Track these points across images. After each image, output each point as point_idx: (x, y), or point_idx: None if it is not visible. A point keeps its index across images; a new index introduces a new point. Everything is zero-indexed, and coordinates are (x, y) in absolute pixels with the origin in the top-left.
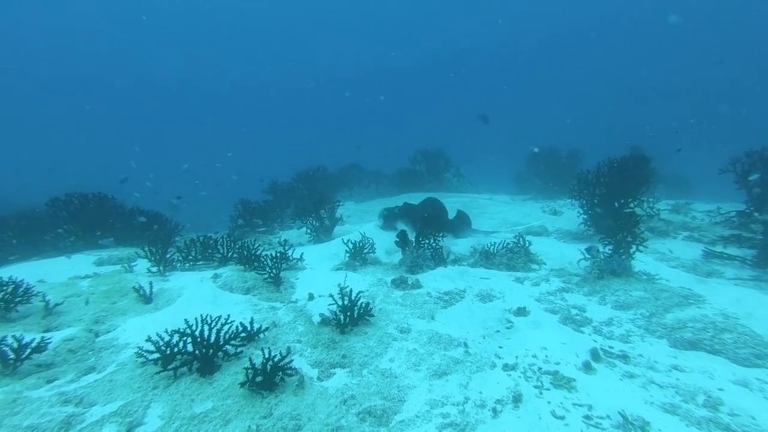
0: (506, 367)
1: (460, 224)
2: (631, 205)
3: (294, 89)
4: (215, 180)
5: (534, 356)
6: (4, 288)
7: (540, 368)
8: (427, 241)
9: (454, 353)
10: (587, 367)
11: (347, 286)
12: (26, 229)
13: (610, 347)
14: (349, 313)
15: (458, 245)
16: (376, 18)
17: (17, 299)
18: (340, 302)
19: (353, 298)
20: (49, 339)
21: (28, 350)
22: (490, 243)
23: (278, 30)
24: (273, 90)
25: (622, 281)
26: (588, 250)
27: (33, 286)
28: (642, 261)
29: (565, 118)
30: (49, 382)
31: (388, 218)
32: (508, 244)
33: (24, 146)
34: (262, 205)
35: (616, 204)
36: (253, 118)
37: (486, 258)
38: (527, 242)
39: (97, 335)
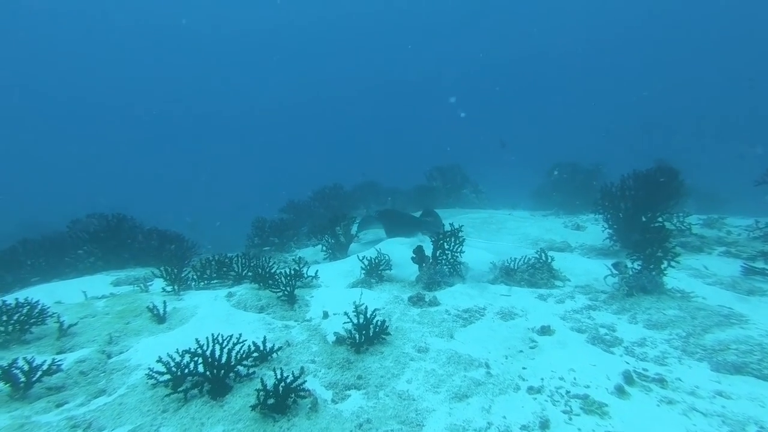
0: (531, 389)
1: (434, 224)
2: (659, 219)
3: (309, 105)
4: (234, 201)
5: (561, 378)
6: (19, 310)
7: (568, 391)
8: (445, 257)
9: (475, 374)
10: (620, 391)
11: (362, 304)
12: (49, 251)
13: (644, 370)
14: (364, 332)
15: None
16: (390, 32)
17: (32, 321)
18: (355, 320)
19: (369, 316)
20: (60, 361)
21: (39, 373)
22: (511, 258)
23: (289, 45)
24: (289, 106)
25: (653, 299)
26: (615, 265)
27: (48, 308)
28: (674, 277)
29: (584, 132)
30: (58, 405)
31: (363, 222)
32: (529, 259)
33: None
34: (277, 224)
35: (643, 218)
36: (271, 136)
37: (506, 274)
38: (550, 258)
39: (109, 356)
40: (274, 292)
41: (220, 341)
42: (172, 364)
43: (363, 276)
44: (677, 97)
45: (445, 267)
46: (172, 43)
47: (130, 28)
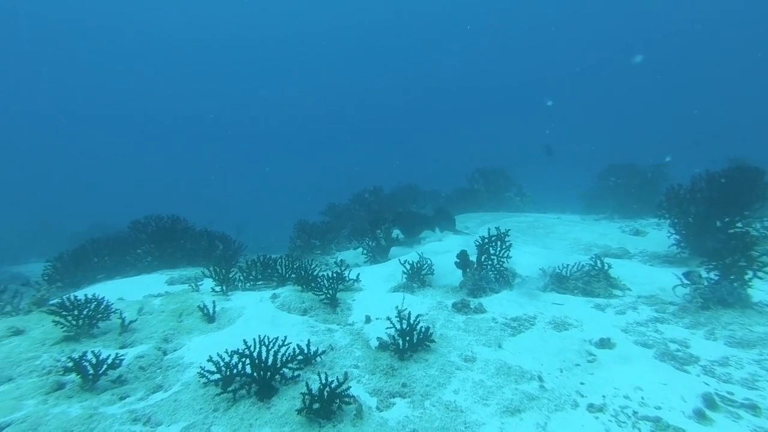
0: (592, 407)
1: (441, 221)
2: (738, 224)
3: (350, 110)
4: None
5: (626, 397)
6: (88, 305)
7: (635, 412)
8: (490, 263)
9: (528, 387)
10: (700, 416)
11: (405, 309)
12: (113, 250)
13: (729, 393)
14: (408, 338)
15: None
16: (432, 35)
17: (98, 316)
18: (398, 326)
19: (412, 322)
20: (122, 356)
21: (105, 366)
22: (562, 265)
23: (331, 49)
24: (330, 111)
25: (736, 313)
26: (687, 275)
27: (112, 304)
28: (761, 290)
29: (637, 133)
30: (121, 398)
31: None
32: (583, 266)
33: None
34: (319, 226)
35: (719, 223)
36: (312, 141)
37: (558, 281)
38: (607, 265)
39: (165, 353)
40: (316, 294)
41: (266, 343)
42: (222, 364)
43: (405, 280)
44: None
45: (490, 273)
46: (214, 49)
47: (172, 36)
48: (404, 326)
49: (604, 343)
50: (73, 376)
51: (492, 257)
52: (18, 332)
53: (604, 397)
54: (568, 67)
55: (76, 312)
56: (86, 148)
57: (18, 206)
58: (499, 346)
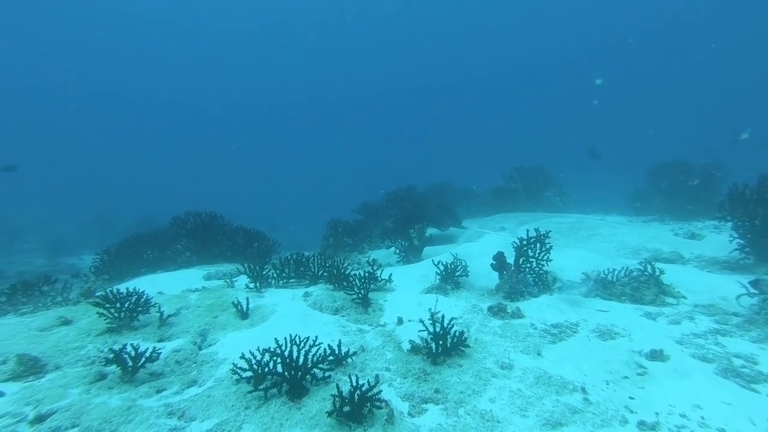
0: (643, 425)
1: (441, 216)
2: None
3: (383, 105)
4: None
5: (683, 416)
6: (129, 298)
7: None
8: (528, 265)
9: (570, 400)
10: None
11: (438, 312)
12: (155, 245)
13: None
14: (441, 342)
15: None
16: (466, 27)
17: (139, 309)
18: (431, 329)
19: (445, 325)
20: (159, 350)
21: (143, 359)
22: (608, 269)
23: (359, 43)
24: (364, 105)
25: None
26: (754, 283)
27: (151, 298)
28: None
29: (690, 128)
30: (158, 391)
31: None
32: (631, 271)
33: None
34: (352, 225)
35: None
36: (343, 138)
37: (603, 287)
38: (658, 270)
39: (200, 348)
40: (348, 294)
41: (298, 342)
42: (254, 361)
43: (438, 282)
44: None
45: (529, 276)
46: (256, 42)
47: (221, 28)
48: (437, 329)
49: (656, 355)
50: (113, 367)
51: (531, 260)
52: (66, 322)
53: (657, 414)
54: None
55: (118, 305)
56: (139, 145)
57: (76, 201)
58: (539, 354)
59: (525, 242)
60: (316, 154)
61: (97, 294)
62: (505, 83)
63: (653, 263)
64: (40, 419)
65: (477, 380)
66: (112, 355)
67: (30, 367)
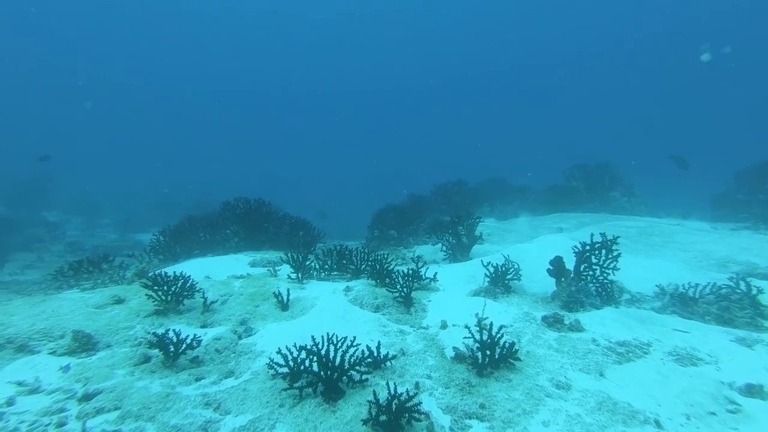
0: None
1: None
2: None
3: (435, 98)
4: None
5: None
6: (176, 283)
7: None
8: (591, 273)
9: None
10: None
11: (486, 318)
12: (207, 228)
13: None
14: (488, 352)
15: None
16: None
17: (184, 293)
18: (477, 337)
19: (494, 333)
20: (200, 337)
21: (184, 346)
22: (688, 283)
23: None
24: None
25: None
26: None
27: (197, 283)
28: None
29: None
30: (197, 380)
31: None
32: (719, 287)
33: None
34: (398, 218)
35: None
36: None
37: (682, 303)
38: (755, 288)
39: (240, 337)
40: (390, 291)
41: (335, 342)
42: (290, 357)
43: (487, 284)
44: None
45: (591, 285)
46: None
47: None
48: (485, 338)
49: (754, 391)
50: (157, 350)
51: (594, 267)
52: (119, 301)
53: None
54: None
55: (165, 288)
56: (203, 130)
57: (146, 181)
58: (601, 375)
59: (588, 247)
60: (370, 144)
61: (149, 275)
62: (562, 76)
63: (748, 279)
64: (87, 398)
65: (528, 399)
66: (155, 339)
67: (84, 344)
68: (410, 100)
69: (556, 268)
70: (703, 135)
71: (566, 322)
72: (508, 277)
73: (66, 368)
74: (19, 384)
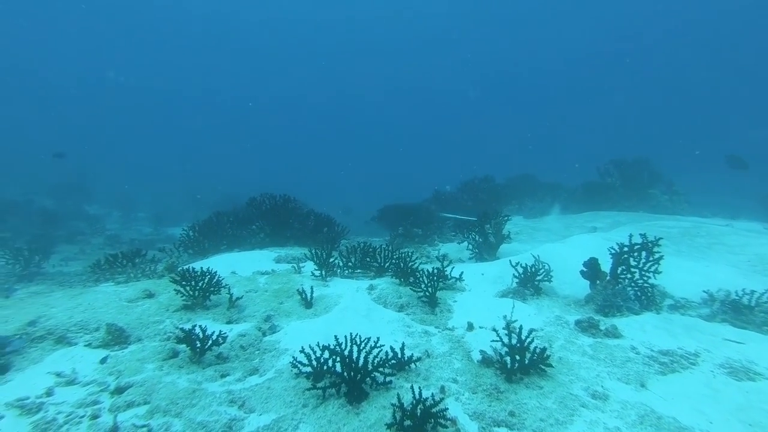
0: None
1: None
2: None
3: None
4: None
5: None
6: (203, 278)
7: None
8: (629, 276)
9: None
10: None
11: (515, 320)
12: (234, 223)
13: None
14: (518, 357)
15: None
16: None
17: (211, 289)
18: (506, 340)
19: (523, 337)
20: (226, 333)
21: (210, 342)
22: (742, 290)
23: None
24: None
25: None
26: None
27: (223, 279)
28: None
29: None
30: (222, 376)
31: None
32: None
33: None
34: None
35: None
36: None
37: (734, 311)
38: None
39: (264, 334)
40: (414, 290)
41: (358, 342)
42: (313, 357)
43: (515, 285)
44: None
45: (629, 289)
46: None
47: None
48: (514, 342)
49: None
50: (184, 346)
51: (633, 270)
52: (150, 295)
53: None
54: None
55: (192, 283)
56: (229, 127)
57: (178, 176)
58: (642, 386)
59: (626, 248)
60: (396, 142)
61: (178, 270)
62: (598, 69)
63: None
64: (119, 391)
65: (562, 408)
66: (182, 335)
67: (116, 337)
68: (439, 99)
69: (591, 269)
70: (750, 129)
71: (602, 327)
72: (538, 278)
73: (104, 359)
74: (58, 375)
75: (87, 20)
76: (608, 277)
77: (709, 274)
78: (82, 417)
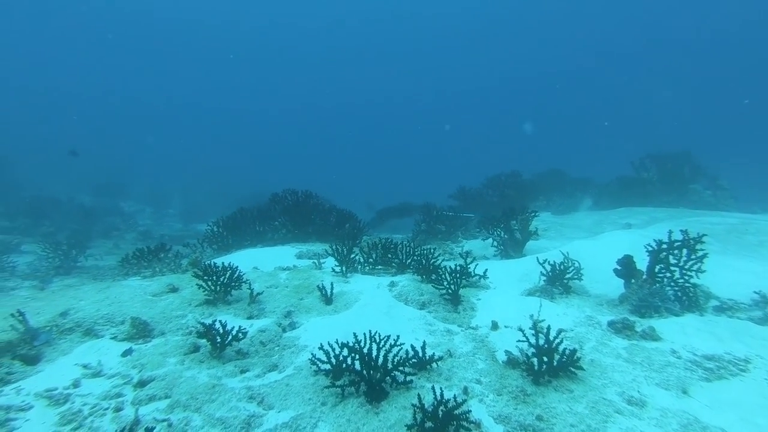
0: None
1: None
2: None
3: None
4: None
5: None
6: (225, 273)
7: None
8: (668, 275)
9: None
10: None
11: (543, 320)
12: (258, 219)
13: None
14: (546, 358)
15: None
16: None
17: (232, 284)
18: (533, 340)
19: (551, 338)
20: (245, 329)
21: (230, 337)
22: None
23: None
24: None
25: None
26: None
27: (244, 274)
28: None
29: None
30: (242, 372)
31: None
32: None
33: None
34: (445, 211)
35: None
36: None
37: None
38: None
39: (284, 330)
40: (436, 287)
41: (377, 340)
42: (332, 354)
43: (543, 283)
44: None
45: (668, 288)
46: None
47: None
48: (541, 342)
49: None
50: (205, 340)
51: (673, 268)
52: (173, 290)
53: None
54: None
55: (214, 278)
56: (260, 131)
57: (208, 175)
58: (684, 392)
59: (665, 246)
60: (421, 140)
61: (201, 265)
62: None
63: None
64: (141, 384)
65: (594, 414)
66: (203, 329)
67: (141, 330)
68: (463, 98)
69: (625, 268)
70: None
71: (638, 329)
72: (568, 276)
73: (127, 352)
74: (85, 367)
75: (118, 32)
76: (645, 276)
77: (761, 273)
78: (106, 409)
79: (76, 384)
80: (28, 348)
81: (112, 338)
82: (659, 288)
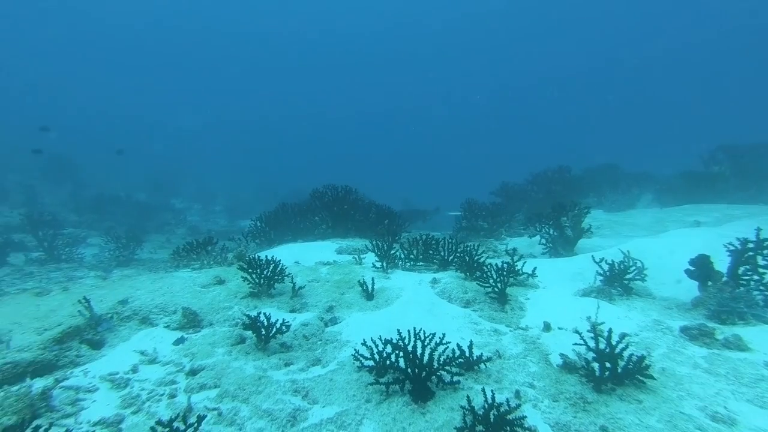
0: None
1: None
2: None
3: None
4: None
5: None
6: (268, 267)
7: None
8: (755, 277)
9: None
10: None
11: (602, 323)
12: (299, 215)
13: None
14: (608, 364)
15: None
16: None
17: (275, 278)
18: (592, 344)
19: (614, 342)
20: (289, 322)
21: (274, 330)
22: None
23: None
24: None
25: None
26: None
27: (287, 268)
28: None
29: None
30: (286, 365)
31: None
32: None
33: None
34: (488, 207)
35: None
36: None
37: None
38: None
39: (326, 325)
40: (481, 285)
41: (422, 338)
42: (375, 351)
43: (600, 283)
44: None
45: (756, 292)
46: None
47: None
48: (602, 346)
49: None
50: (251, 332)
51: (762, 270)
52: (220, 282)
53: None
54: None
55: (258, 271)
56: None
57: (252, 172)
58: None
59: (753, 245)
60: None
61: (245, 258)
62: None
63: None
64: (193, 372)
65: (670, 429)
66: (249, 322)
67: (191, 320)
68: (519, 96)
69: (701, 268)
70: None
71: (719, 336)
72: (628, 276)
73: (181, 340)
74: (142, 353)
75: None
76: (725, 278)
77: None
78: (162, 395)
79: (134, 369)
80: (93, 333)
81: (165, 327)
82: (745, 292)
